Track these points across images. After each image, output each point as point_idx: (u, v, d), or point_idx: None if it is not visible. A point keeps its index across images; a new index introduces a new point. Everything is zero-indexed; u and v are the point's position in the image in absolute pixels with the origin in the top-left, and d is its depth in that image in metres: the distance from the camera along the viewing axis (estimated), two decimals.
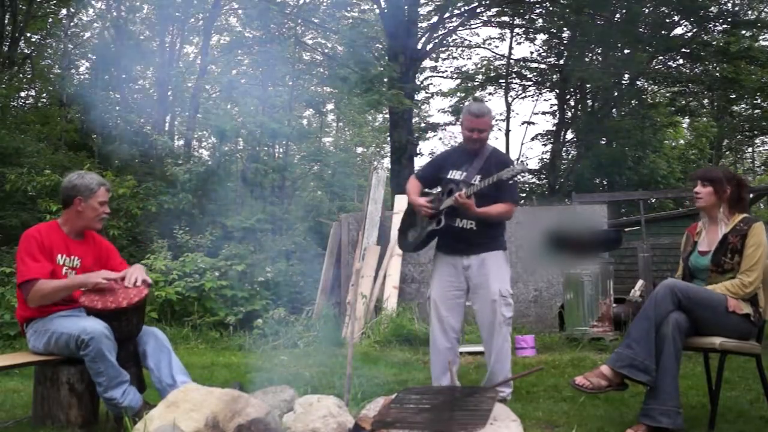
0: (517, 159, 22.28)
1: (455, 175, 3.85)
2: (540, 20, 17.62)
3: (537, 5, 17.01)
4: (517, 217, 7.69)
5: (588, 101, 20.41)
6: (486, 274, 3.76)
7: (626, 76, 17.86)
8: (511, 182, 3.68)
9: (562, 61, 19.08)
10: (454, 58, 19.22)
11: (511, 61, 19.96)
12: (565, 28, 17.79)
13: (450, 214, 3.76)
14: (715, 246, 3.24)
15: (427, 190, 4.04)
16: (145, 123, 15.98)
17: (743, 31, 15.46)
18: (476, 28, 18.13)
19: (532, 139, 21.98)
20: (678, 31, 16.34)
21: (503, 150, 25.43)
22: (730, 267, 3.18)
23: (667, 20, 16.10)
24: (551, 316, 7.43)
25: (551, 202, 15.98)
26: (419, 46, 15.36)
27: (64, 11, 16.94)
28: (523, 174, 3.71)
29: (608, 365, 3.04)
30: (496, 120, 21.22)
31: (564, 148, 20.88)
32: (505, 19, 17.67)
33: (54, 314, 3.32)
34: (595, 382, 3.03)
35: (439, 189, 3.99)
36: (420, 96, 18.39)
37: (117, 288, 3.32)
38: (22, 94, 16.67)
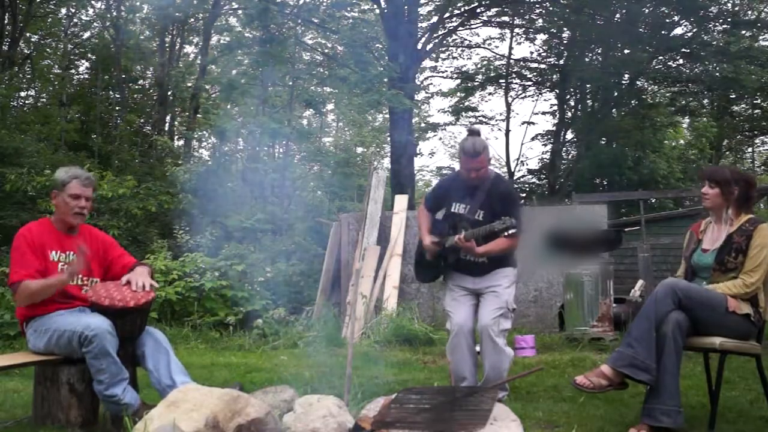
0: (518, 159, 22.30)
1: (458, 208, 3.85)
2: (540, 20, 17.63)
3: (537, 5, 17.02)
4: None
5: (588, 101, 20.42)
6: (497, 285, 3.81)
7: (626, 76, 17.86)
8: (515, 214, 3.67)
9: (562, 61, 19.09)
10: (454, 58, 19.26)
11: (511, 61, 19.98)
12: (565, 28, 17.80)
13: (455, 250, 3.79)
14: (720, 245, 3.23)
15: (437, 216, 4.06)
16: (145, 123, 16.03)
17: (743, 31, 15.46)
18: (476, 28, 18.17)
19: (532, 139, 22.03)
20: (678, 31, 16.36)
21: (503, 151, 25.42)
22: (734, 267, 3.17)
23: (667, 20, 16.10)
24: (551, 316, 7.42)
25: (551, 202, 15.99)
26: (419, 46, 15.36)
27: (64, 11, 16.96)
28: (513, 227, 3.57)
29: (609, 365, 3.03)
30: (496, 120, 21.31)
31: (564, 148, 20.89)
32: (505, 19, 17.69)
33: (54, 312, 3.31)
34: (595, 382, 3.02)
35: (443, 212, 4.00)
36: (420, 96, 18.42)
37: (126, 287, 3.33)
38: (22, 94, 16.71)
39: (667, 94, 18.88)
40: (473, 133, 3.84)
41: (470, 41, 18.89)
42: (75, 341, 3.12)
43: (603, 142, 19.49)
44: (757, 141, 23.09)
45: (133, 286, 3.34)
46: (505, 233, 3.56)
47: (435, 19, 16.24)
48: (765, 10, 16.81)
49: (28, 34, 16.02)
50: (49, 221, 3.49)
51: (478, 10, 16.54)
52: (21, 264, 3.28)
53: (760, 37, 16.23)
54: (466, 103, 20.78)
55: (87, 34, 18.14)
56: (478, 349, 3.91)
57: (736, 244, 3.18)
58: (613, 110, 19.30)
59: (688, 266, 3.38)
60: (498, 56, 19.99)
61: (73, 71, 18.06)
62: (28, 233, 3.37)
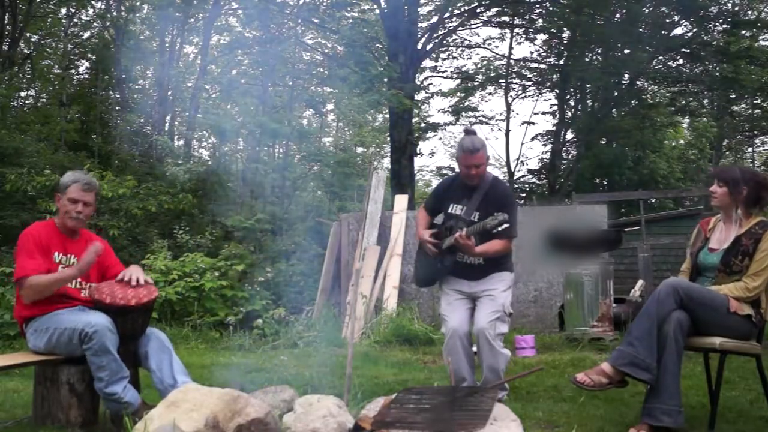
0: (518, 159, 22.29)
1: (455, 210, 3.88)
2: (540, 20, 17.63)
3: (537, 5, 17.02)
4: (518, 217, 7.70)
5: (588, 101, 20.43)
6: (493, 288, 3.81)
7: (626, 76, 17.87)
8: (510, 217, 3.66)
9: (562, 61, 19.09)
10: (454, 58, 19.24)
11: (511, 61, 19.98)
12: (565, 28, 17.80)
13: (452, 250, 3.81)
14: (727, 246, 3.21)
15: (435, 221, 4.09)
16: (145, 123, 16.02)
17: (743, 31, 15.46)
18: (476, 28, 18.17)
19: (532, 139, 22.04)
20: (678, 31, 16.38)
21: (503, 151, 25.40)
22: (739, 269, 3.15)
23: (667, 20, 16.11)
24: (551, 316, 7.42)
25: (551, 202, 15.99)
26: (419, 46, 15.37)
27: (64, 11, 16.95)
28: (505, 222, 3.58)
29: (609, 363, 3.03)
30: (496, 120, 21.30)
31: (564, 148, 20.90)
32: (505, 19, 17.68)
33: (54, 312, 3.31)
34: (595, 379, 3.02)
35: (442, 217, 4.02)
36: (420, 96, 18.40)
37: (127, 286, 3.34)
38: (22, 94, 16.69)
39: (667, 94, 18.88)
40: (470, 132, 3.91)
41: (470, 41, 18.91)
42: (75, 338, 3.12)
43: (603, 142, 19.49)
44: (757, 141, 23.13)
45: (126, 277, 3.36)
46: (498, 228, 3.57)
47: (435, 19, 16.25)
48: (765, 10, 16.81)
49: (28, 34, 16.01)
50: (53, 223, 3.51)
51: (478, 10, 16.54)
52: (29, 260, 3.28)
53: (760, 37, 16.24)
54: (466, 103, 20.77)
55: (87, 34, 18.16)
56: (475, 349, 3.91)
57: (744, 247, 3.15)
58: (613, 110, 19.31)
59: (693, 263, 3.37)
60: (498, 56, 20.02)
61: (73, 71, 18.05)
62: (36, 233, 3.38)
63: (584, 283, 6.19)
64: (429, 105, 23.98)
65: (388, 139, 15.98)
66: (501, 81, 20.18)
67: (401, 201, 8.21)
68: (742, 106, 19.07)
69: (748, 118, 19.86)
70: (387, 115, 16.79)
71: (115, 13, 16.01)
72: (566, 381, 4.11)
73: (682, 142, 22.77)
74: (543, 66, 20.18)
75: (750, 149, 24.46)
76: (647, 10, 15.60)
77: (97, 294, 3.26)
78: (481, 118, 20.94)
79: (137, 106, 16.69)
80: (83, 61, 18.21)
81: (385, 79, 12.85)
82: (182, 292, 7.42)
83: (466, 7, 16.02)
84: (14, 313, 3.59)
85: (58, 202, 3.47)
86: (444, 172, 21.99)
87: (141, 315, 3.31)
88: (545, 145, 21.50)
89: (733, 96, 17.38)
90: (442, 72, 19.54)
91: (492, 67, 19.98)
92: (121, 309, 3.21)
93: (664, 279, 3.17)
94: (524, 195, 20.91)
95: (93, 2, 16.72)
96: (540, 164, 22.03)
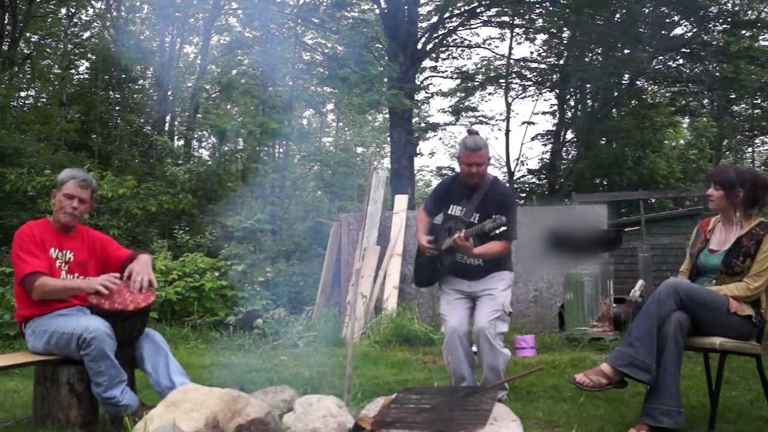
0: (518, 159, 22.27)
1: (455, 210, 3.90)
2: (540, 20, 17.63)
3: (537, 5, 17.02)
4: (518, 217, 7.70)
5: (588, 101, 20.42)
6: (493, 288, 3.82)
7: (626, 76, 17.87)
8: (510, 218, 3.67)
9: (562, 61, 19.09)
10: (454, 58, 19.22)
11: (511, 61, 19.98)
12: (565, 28, 17.80)
13: (451, 251, 3.82)
14: (728, 247, 3.21)
15: (434, 221, 4.11)
16: (145, 123, 16.03)
17: (743, 31, 15.46)
18: (476, 28, 18.15)
19: (532, 139, 22.02)
20: (678, 31, 16.37)
21: (503, 151, 25.40)
22: (740, 270, 3.15)
23: (667, 20, 16.10)
24: (551, 316, 7.42)
25: (551, 202, 16.00)
26: (419, 46, 15.36)
27: (64, 11, 16.96)
28: (503, 225, 3.59)
29: (609, 363, 3.03)
30: (496, 120, 21.30)
31: (564, 148, 20.89)
32: (505, 19, 17.68)
33: (53, 313, 3.32)
34: (595, 380, 3.02)
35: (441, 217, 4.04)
36: (420, 96, 18.40)
37: (125, 290, 3.32)
38: (22, 94, 16.71)
39: (667, 94, 18.89)
40: (473, 132, 3.93)
41: (470, 41, 18.88)
42: (74, 344, 3.11)
43: (603, 142, 19.49)
44: (757, 141, 23.13)
45: (132, 285, 3.34)
46: (496, 231, 3.58)
47: (435, 19, 16.24)
48: (765, 10, 16.81)
49: (28, 34, 16.02)
50: (47, 221, 3.51)
51: (478, 10, 16.54)
52: (32, 257, 3.28)
53: (760, 37, 16.23)
54: (466, 103, 20.76)
55: (87, 34, 18.17)
56: (474, 349, 3.91)
57: (745, 248, 3.15)
58: (613, 110, 19.30)
59: (693, 264, 3.37)
60: (498, 56, 20.01)
61: (73, 71, 18.07)
62: (29, 230, 3.39)
63: (584, 283, 6.19)
64: (429, 105, 24.02)
65: (388, 139, 15.97)
66: (501, 81, 20.17)
67: (401, 201, 8.21)
68: (742, 106, 19.07)
69: (748, 118, 19.86)
70: (387, 115, 16.79)
71: (115, 13, 16.02)
72: (566, 381, 4.11)
73: (682, 142, 22.76)
74: (543, 66, 20.18)
75: (750, 149, 24.48)
76: (647, 10, 15.58)
77: (95, 300, 3.24)
78: (481, 118, 20.95)
79: (137, 106, 16.70)
80: (83, 61, 18.25)
81: (385, 79, 12.85)
82: (182, 292, 7.42)
83: (466, 7, 16.02)
84: (15, 313, 3.59)
85: (54, 198, 3.48)
86: (444, 172, 21.99)
87: (139, 319, 3.30)
88: (545, 145, 21.51)
89: (733, 96, 17.37)
90: (442, 72, 19.54)
91: (492, 67, 19.98)
92: (119, 314, 3.20)
93: (664, 279, 3.18)
94: (524, 195, 20.90)
95: (93, 2, 16.74)
96: (540, 164, 22.04)
